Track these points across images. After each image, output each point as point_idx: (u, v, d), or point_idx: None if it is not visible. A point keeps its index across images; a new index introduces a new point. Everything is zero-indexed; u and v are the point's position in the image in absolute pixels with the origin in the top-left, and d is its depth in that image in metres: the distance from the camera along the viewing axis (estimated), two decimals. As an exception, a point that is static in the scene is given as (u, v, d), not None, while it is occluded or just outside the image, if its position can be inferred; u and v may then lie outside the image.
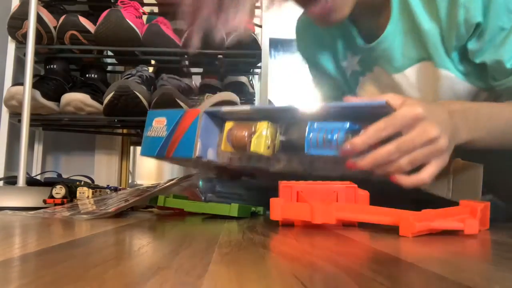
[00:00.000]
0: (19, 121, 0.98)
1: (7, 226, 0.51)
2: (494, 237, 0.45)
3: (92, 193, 0.79)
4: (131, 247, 0.36)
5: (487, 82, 0.61)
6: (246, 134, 0.58)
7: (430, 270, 0.26)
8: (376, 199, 0.51)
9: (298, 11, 0.72)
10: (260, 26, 1.19)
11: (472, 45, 0.59)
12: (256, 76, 1.58)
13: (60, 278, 0.22)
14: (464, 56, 0.62)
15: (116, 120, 1.19)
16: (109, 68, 1.42)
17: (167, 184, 0.72)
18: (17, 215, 0.67)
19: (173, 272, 0.24)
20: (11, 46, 1.11)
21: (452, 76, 0.63)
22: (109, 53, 1.28)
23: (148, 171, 2.21)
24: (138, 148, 1.74)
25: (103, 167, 1.44)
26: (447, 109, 0.51)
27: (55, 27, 1.11)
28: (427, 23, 0.61)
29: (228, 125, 0.61)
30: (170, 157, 0.65)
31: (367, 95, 0.73)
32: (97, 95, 1.12)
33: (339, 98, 0.72)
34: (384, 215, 0.48)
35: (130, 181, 1.54)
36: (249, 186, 0.77)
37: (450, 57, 0.62)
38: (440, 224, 0.44)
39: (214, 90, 1.46)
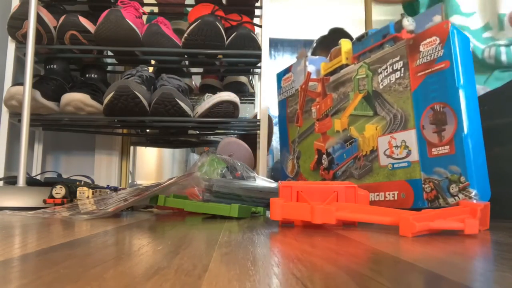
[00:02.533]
0: (19, 121, 0.98)
1: (7, 226, 0.51)
2: (494, 237, 0.45)
3: (92, 193, 0.79)
4: (131, 247, 0.36)
5: None
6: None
7: (430, 270, 0.26)
8: None
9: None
10: (260, 26, 1.19)
11: None
12: (256, 76, 1.58)
13: (60, 278, 0.22)
14: None
15: (116, 120, 1.19)
16: (109, 68, 1.42)
17: (166, 184, 0.72)
18: (17, 215, 0.67)
19: (173, 272, 0.24)
20: (11, 46, 1.11)
21: None
22: (109, 53, 1.28)
23: (148, 171, 2.21)
24: (138, 148, 1.74)
25: (103, 167, 1.44)
26: None
27: (55, 27, 1.11)
28: None
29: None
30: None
31: None
32: (97, 95, 1.12)
33: None
34: (384, 215, 0.48)
35: (130, 181, 1.54)
36: (248, 188, 0.77)
37: None
38: (440, 224, 0.44)
39: (214, 90, 1.47)
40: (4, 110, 1.10)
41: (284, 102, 0.93)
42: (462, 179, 0.57)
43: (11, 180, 0.98)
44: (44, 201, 0.78)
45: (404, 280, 0.24)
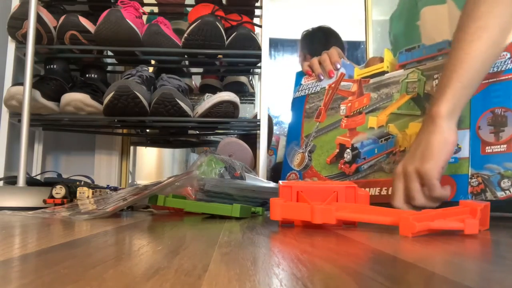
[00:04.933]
0: (19, 121, 0.98)
1: (7, 226, 0.51)
2: (494, 237, 0.45)
3: (92, 193, 0.79)
4: (131, 247, 0.36)
5: None
6: None
7: (430, 270, 0.26)
8: None
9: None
10: (260, 26, 1.19)
11: None
12: (256, 76, 1.58)
13: (60, 278, 0.22)
14: None
15: (116, 120, 1.18)
16: (109, 68, 1.42)
17: (165, 182, 0.72)
18: (17, 215, 0.67)
19: (173, 272, 0.24)
20: (11, 46, 1.11)
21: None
22: (109, 53, 1.28)
23: (148, 171, 2.21)
24: (138, 148, 1.74)
25: (103, 167, 1.44)
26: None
27: (55, 27, 1.11)
28: None
29: None
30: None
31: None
32: (97, 95, 1.12)
33: None
34: (384, 215, 0.48)
35: (130, 181, 1.54)
36: (240, 187, 0.77)
37: None
38: (440, 224, 0.44)
39: (214, 90, 1.46)
40: (4, 110, 1.09)
41: (303, 99, 0.98)
42: None
43: (11, 180, 0.98)
44: (44, 201, 0.78)
45: (404, 280, 0.24)
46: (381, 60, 0.88)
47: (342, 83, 0.91)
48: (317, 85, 0.96)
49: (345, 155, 0.85)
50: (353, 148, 0.84)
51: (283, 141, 1.47)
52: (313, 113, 0.94)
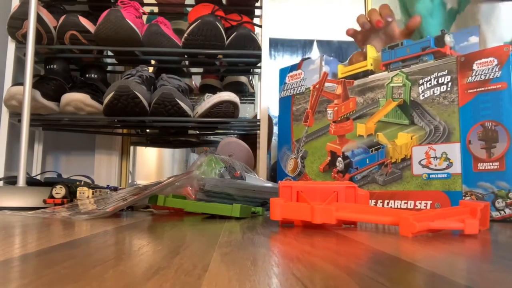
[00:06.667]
0: (19, 121, 0.98)
1: (7, 226, 0.51)
2: (494, 237, 0.45)
3: (92, 193, 0.79)
4: (131, 247, 0.36)
5: None
6: None
7: (430, 270, 0.26)
8: None
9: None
10: (260, 26, 1.19)
11: None
12: (256, 76, 1.58)
13: (60, 278, 0.22)
14: None
15: (116, 120, 1.19)
16: (109, 68, 1.42)
17: (165, 182, 0.72)
18: (17, 215, 0.67)
19: (173, 272, 0.24)
20: (11, 46, 1.11)
21: None
22: (109, 53, 1.28)
23: (148, 171, 2.20)
24: (138, 148, 1.75)
25: (103, 167, 1.44)
26: None
27: (55, 27, 1.11)
28: None
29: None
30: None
31: None
32: (97, 95, 1.12)
33: None
34: (384, 215, 0.48)
35: (130, 181, 1.54)
36: (240, 187, 0.77)
37: None
38: (440, 224, 0.44)
39: (214, 90, 1.47)
40: (4, 110, 1.10)
41: (289, 99, 0.94)
42: (511, 195, 0.60)
43: (11, 180, 0.98)
44: (44, 201, 0.78)
45: (404, 280, 0.24)
46: (365, 56, 0.83)
47: (326, 84, 0.87)
48: (301, 85, 0.92)
49: (337, 163, 0.82)
50: (345, 157, 0.81)
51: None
52: (300, 115, 0.90)
